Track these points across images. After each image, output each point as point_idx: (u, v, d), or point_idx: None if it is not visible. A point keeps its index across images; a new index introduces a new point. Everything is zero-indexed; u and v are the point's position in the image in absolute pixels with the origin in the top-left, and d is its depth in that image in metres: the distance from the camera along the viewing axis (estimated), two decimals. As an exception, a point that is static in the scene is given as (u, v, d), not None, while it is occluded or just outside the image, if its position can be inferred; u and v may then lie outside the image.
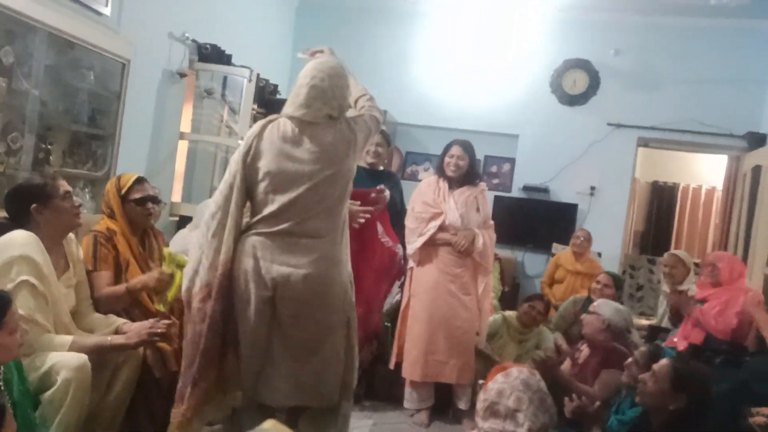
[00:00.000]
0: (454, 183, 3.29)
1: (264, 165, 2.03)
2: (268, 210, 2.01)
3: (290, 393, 2.04)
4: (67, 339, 1.93)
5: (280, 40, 5.59)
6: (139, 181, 2.47)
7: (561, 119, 5.44)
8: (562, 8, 5.30)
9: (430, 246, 3.23)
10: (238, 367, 2.11)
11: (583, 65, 5.38)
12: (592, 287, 3.93)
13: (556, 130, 5.43)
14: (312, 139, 2.04)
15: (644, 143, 5.46)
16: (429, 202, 3.26)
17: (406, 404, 3.26)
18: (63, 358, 1.83)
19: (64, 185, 2.11)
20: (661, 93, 5.27)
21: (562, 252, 4.88)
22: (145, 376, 2.12)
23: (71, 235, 2.20)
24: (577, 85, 5.39)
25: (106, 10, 3.23)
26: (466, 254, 3.18)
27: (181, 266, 2.11)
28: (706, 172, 7.03)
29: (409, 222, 3.32)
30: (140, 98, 3.58)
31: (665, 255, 3.76)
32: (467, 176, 3.28)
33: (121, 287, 2.25)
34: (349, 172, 2.12)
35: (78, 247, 2.24)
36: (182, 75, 3.90)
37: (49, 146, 3.01)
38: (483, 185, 3.38)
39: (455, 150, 3.27)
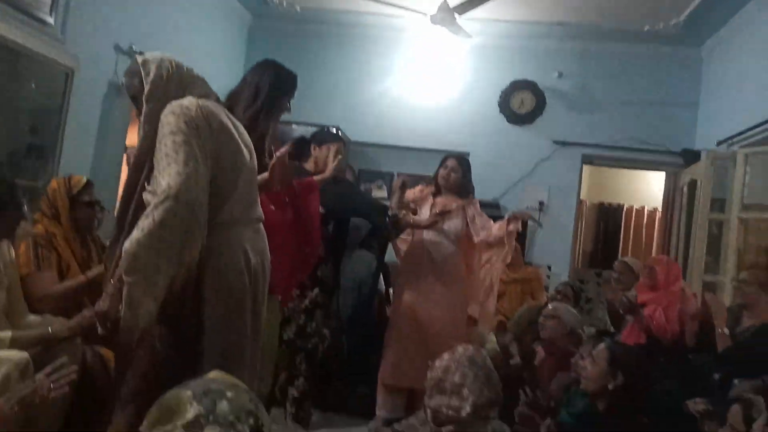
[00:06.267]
0: (443, 193, 3.42)
1: None
2: None
3: None
4: (6, 335, 1.86)
5: (233, 55, 5.58)
6: (90, 184, 2.46)
7: (510, 138, 5.61)
8: (509, 35, 5.53)
9: (412, 245, 3.37)
10: None
11: (530, 87, 5.58)
12: (552, 296, 4.03)
13: (506, 148, 5.59)
14: None
15: (588, 160, 5.68)
16: (409, 198, 3.42)
17: (378, 411, 3.17)
18: (2, 354, 1.76)
19: None
20: (602, 113, 5.51)
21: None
22: (85, 380, 2.02)
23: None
24: (524, 105, 5.58)
25: (50, 19, 3.17)
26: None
27: None
28: (648, 194, 7.31)
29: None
30: (84, 110, 3.50)
31: (615, 262, 3.89)
32: (458, 189, 3.40)
33: (80, 278, 2.16)
34: None
35: (10, 248, 2.14)
36: (130, 88, 3.84)
37: (-15, 156, 2.90)
38: (474, 199, 3.48)
39: (450, 162, 3.43)
